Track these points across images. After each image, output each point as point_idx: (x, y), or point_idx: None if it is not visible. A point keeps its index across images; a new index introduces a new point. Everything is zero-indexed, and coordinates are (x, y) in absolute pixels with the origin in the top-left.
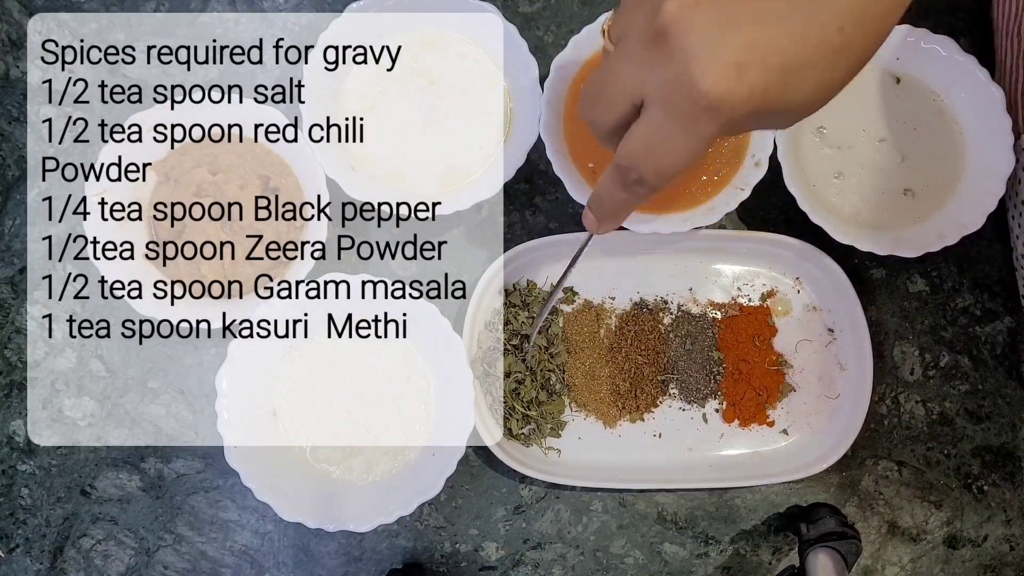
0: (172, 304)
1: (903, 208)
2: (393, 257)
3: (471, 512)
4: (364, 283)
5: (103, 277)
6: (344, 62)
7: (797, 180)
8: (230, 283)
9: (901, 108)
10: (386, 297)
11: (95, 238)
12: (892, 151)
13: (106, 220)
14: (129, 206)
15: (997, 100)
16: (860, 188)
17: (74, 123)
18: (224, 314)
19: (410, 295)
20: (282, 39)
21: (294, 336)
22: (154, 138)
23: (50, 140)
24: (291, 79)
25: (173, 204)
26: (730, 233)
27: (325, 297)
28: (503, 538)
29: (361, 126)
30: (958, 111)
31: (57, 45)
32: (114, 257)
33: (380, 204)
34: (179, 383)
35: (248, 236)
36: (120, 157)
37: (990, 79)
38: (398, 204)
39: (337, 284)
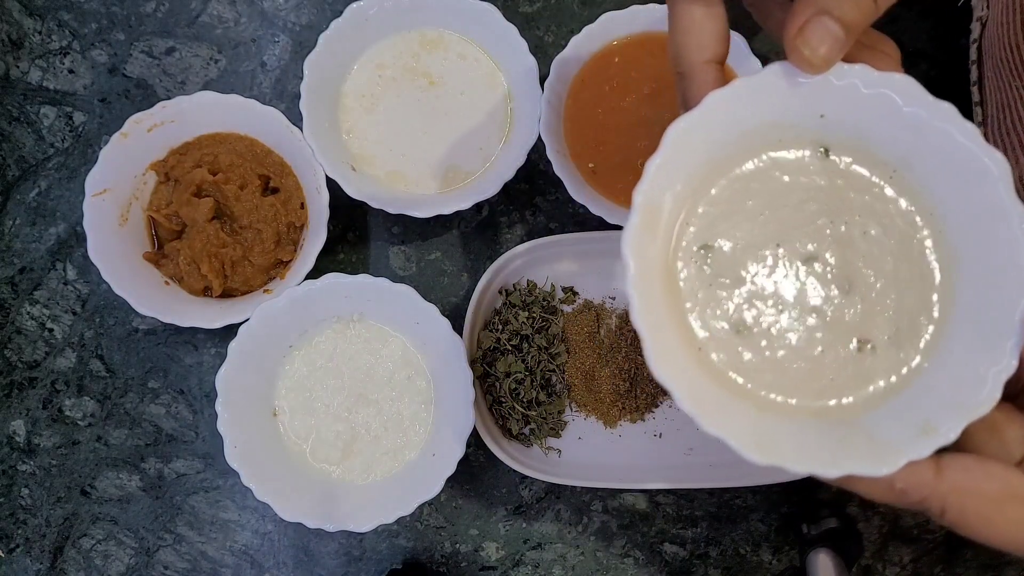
0: (172, 304)
1: (858, 375)
2: (393, 257)
3: (471, 512)
4: (364, 283)
5: (103, 277)
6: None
7: (668, 343)
8: (230, 283)
9: (836, 199)
10: (386, 297)
11: (95, 238)
12: (830, 275)
13: (106, 220)
14: (129, 206)
15: (993, 175)
16: (781, 348)
17: (74, 122)
18: (224, 314)
19: (410, 295)
20: (282, 39)
21: (294, 336)
22: (154, 138)
23: (50, 140)
24: (291, 79)
25: (173, 204)
26: None
27: (325, 297)
28: (503, 538)
29: (361, 126)
30: (931, 197)
31: (57, 45)
32: (114, 257)
33: (380, 206)
34: (179, 383)
35: (248, 236)
36: (120, 157)
37: (981, 141)
38: (397, 205)
39: (337, 284)
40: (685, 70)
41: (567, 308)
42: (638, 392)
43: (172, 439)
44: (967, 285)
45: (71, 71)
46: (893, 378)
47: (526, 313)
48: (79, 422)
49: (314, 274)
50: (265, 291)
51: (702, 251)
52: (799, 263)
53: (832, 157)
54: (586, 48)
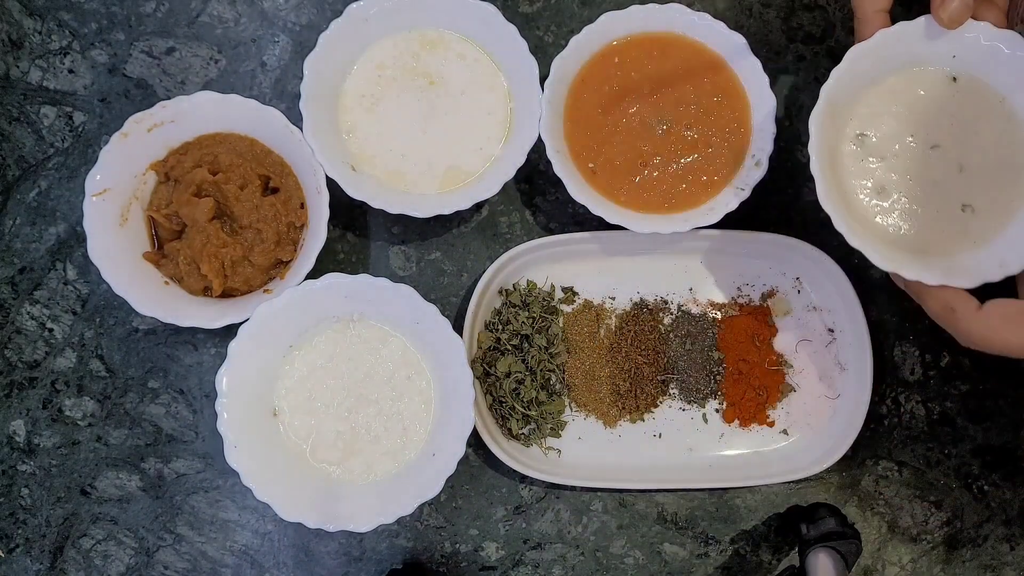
0: (172, 304)
1: (959, 227)
2: (393, 257)
3: (471, 512)
4: (364, 283)
5: (103, 277)
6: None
7: (833, 196)
8: (230, 283)
9: (958, 111)
10: (386, 297)
11: (95, 238)
12: (948, 160)
13: (106, 220)
14: (129, 206)
15: None
16: (909, 204)
17: (74, 122)
18: (224, 314)
19: (410, 295)
20: (282, 39)
21: (294, 336)
22: (154, 138)
23: (50, 140)
24: (291, 79)
25: (173, 204)
26: (730, 233)
27: (325, 297)
28: (503, 538)
29: (361, 126)
30: None
31: (57, 45)
32: (114, 257)
33: (380, 205)
34: (179, 383)
35: (248, 236)
36: (120, 157)
37: None
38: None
39: (337, 284)
40: (862, 16)
41: (567, 308)
42: (638, 392)
43: (172, 439)
44: None
45: (71, 71)
46: (987, 232)
47: (526, 313)
48: (79, 422)
49: (314, 274)
50: (265, 291)
51: (859, 136)
52: (927, 149)
53: (958, 83)
54: (586, 48)
